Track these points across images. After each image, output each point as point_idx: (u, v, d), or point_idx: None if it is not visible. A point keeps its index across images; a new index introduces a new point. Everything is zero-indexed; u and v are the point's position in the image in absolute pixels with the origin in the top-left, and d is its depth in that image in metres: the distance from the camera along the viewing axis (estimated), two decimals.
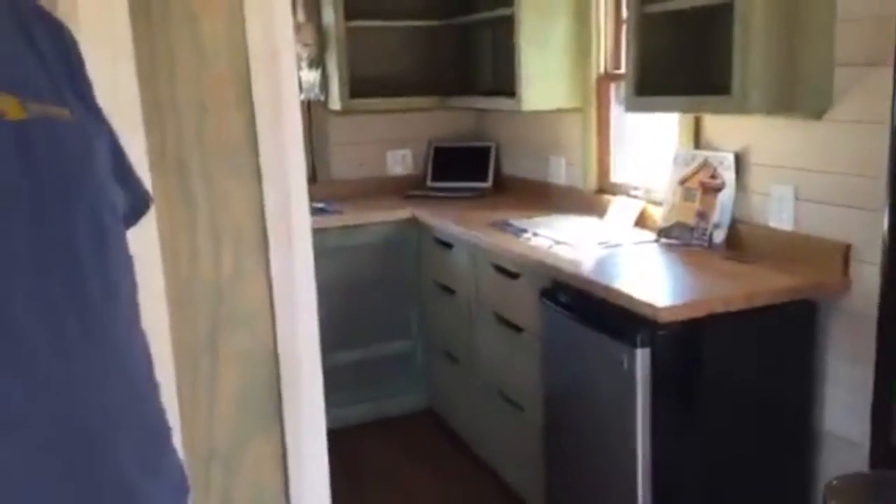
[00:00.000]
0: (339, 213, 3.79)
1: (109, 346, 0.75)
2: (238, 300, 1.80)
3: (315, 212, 3.83)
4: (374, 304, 3.79)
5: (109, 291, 0.76)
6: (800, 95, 2.27)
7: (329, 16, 3.87)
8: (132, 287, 0.85)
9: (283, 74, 1.80)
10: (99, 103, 0.99)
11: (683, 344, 2.21)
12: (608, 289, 2.36)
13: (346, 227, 3.69)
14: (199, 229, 1.78)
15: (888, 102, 2.05)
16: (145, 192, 1.05)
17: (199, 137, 1.75)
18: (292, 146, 1.83)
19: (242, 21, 1.75)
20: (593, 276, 2.50)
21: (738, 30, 2.20)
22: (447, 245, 3.51)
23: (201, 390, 1.74)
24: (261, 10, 1.75)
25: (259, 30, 1.76)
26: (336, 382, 3.51)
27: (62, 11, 1.52)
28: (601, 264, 2.67)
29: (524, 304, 2.88)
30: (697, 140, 2.85)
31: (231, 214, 1.80)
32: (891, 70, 2.01)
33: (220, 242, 1.80)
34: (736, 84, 2.22)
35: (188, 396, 1.71)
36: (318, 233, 3.69)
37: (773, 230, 2.55)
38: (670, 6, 2.53)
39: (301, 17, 4.01)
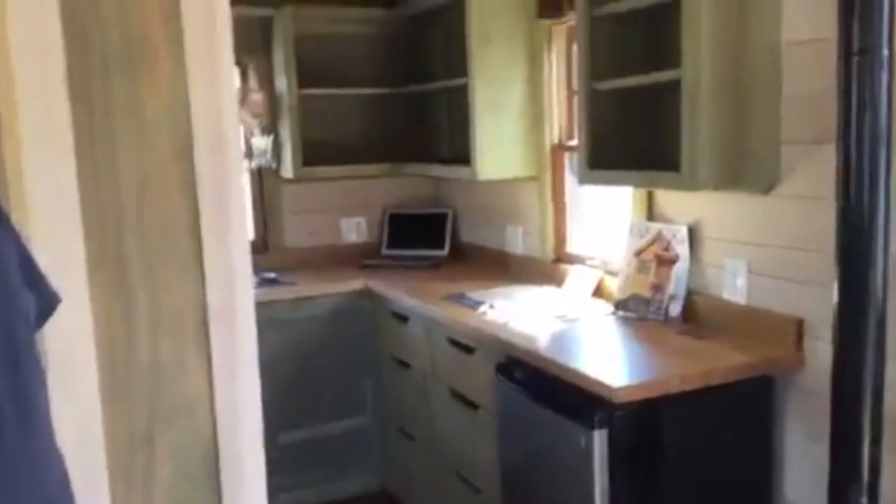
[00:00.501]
0: (292, 283, 3.71)
1: (25, 465, 0.74)
2: (176, 391, 1.72)
3: (266, 282, 3.76)
4: (326, 379, 3.68)
5: (23, 410, 0.75)
6: (748, 172, 2.30)
7: (282, 83, 3.86)
8: (46, 401, 0.84)
9: (229, 156, 1.75)
10: (5, 207, 0.95)
11: (641, 424, 2.17)
12: (564, 367, 2.32)
13: (297, 299, 3.61)
14: (137, 318, 1.70)
15: (832, 179, 2.06)
16: (54, 294, 1.03)
17: (139, 224, 1.68)
18: (237, 231, 1.77)
19: (186, 102, 1.71)
20: (549, 354, 2.45)
21: (685, 108, 2.22)
22: (402, 318, 3.45)
23: (136, 492, 1.63)
24: (205, 90, 1.72)
25: (203, 110, 1.72)
26: (285, 464, 3.40)
27: (5, 120, 1.47)
28: (558, 340, 2.63)
29: (480, 380, 2.82)
30: (651, 212, 2.86)
31: (171, 303, 1.73)
32: (833, 147, 2.03)
33: (159, 332, 1.72)
34: (685, 161, 2.23)
35: (122, 498, 1.60)
36: (268, 305, 3.65)
37: (728, 303, 2.55)
38: (618, 83, 2.56)
39: (253, 83, 3.98)
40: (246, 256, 1.79)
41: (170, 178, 1.69)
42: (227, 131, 1.74)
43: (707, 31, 2.17)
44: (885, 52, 1.83)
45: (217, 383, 1.75)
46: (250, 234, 4.11)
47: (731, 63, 2.22)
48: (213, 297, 1.75)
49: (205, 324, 1.75)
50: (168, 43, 1.66)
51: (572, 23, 2.74)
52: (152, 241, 1.69)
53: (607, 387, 2.13)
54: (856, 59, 1.84)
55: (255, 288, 3.64)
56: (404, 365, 3.48)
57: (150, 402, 1.69)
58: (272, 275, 3.82)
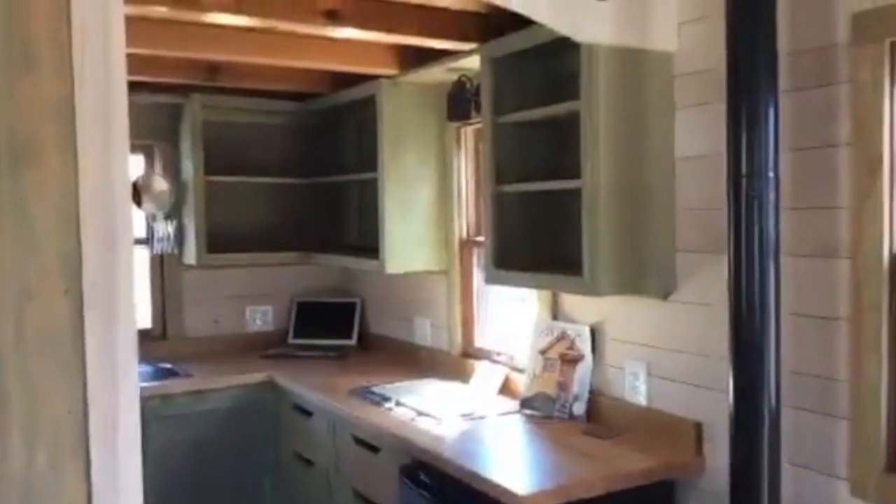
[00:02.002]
0: (189, 375, 3.55)
1: None
2: None
3: (162, 373, 3.60)
4: (224, 477, 3.50)
5: None
6: (646, 278, 2.37)
7: (188, 169, 3.78)
8: None
9: (121, 260, 1.68)
10: None
11: None
12: (470, 472, 2.28)
13: (196, 392, 3.45)
14: (11, 430, 1.58)
15: (725, 287, 2.14)
16: None
17: (18, 330, 1.58)
18: (124, 338, 1.68)
19: (76, 207, 1.64)
20: (454, 457, 2.41)
21: (585, 217, 2.29)
22: (306, 412, 3.34)
23: None
24: (97, 189, 1.65)
25: (94, 212, 1.65)
26: None
27: None
28: (463, 441, 2.59)
29: (385, 481, 2.74)
30: (556, 310, 2.90)
31: (49, 413, 1.62)
32: (725, 258, 2.12)
33: (34, 440, 1.60)
34: (586, 268, 2.29)
35: None
36: (163, 398, 3.47)
37: (630, 404, 2.58)
38: (522, 188, 2.62)
39: (158, 168, 3.89)
40: (133, 365, 1.70)
41: (55, 286, 1.60)
42: (120, 233, 1.68)
43: (605, 144, 2.26)
44: (772, 174, 1.94)
45: (96, 497, 1.63)
46: (147, 322, 3.95)
47: (628, 175, 2.31)
48: (96, 407, 1.65)
49: (85, 434, 1.65)
50: (57, 140, 1.60)
51: (480, 125, 2.81)
52: (31, 347, 1.59)
53: (513, 494, 2.10)
54: (744, 180, 1.95)
55: (151, 380, 3.51)
56: (307, 462, 3.35)
57: None
58: (169, 365, 3.66)
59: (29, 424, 1.61)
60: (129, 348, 1.70)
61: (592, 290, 2.31)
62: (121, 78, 1.68)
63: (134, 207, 3.79)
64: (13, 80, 1.56)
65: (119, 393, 1.68)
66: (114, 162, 1.67)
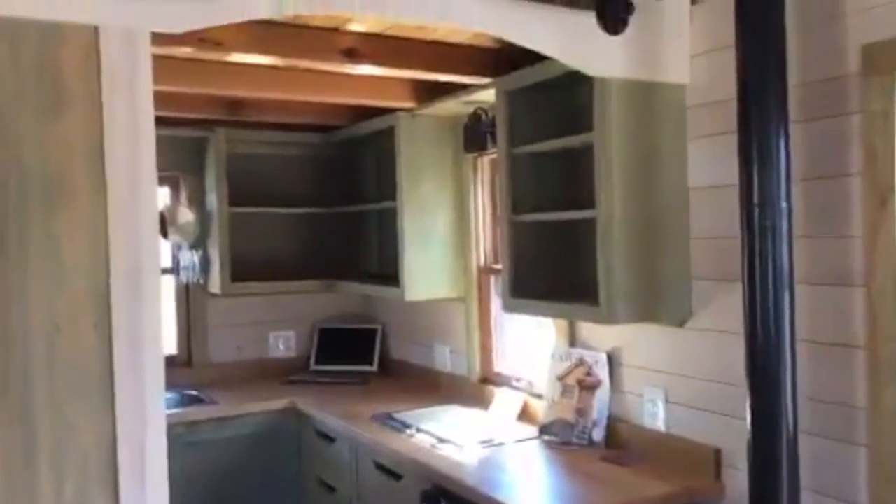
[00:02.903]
0: (214, 403, 3.60)
1: None
2: None
3: (188, 400, 3.67)
4: (248, 503, 3.54)
5: None
6: (662, 306, 2.39)
7: (212, 201, 3.87)
8: None
9: (147, 295, 1.74)
10: None
11: None
12: (491, 500, 2.30)
13: (220, 419, 3.50)
14: (40, 459, 1.64)
15: (741, 315, 2.16)
16: None
17: (48, 361, 1.64)
18: (152, 372, 1.74)
19: (106, 242, 1.70)
20: (476, 484, 2.43)
21: (600, 247, 2.32)
22: (329, 438, 3.38)
23: None
24: (126, 227, 1.72)
25: (123, 248, 1.71)
26: None
27: None
28: (484, 468, 2.61)
29: None
30: (573, 337, 2.92)
31: (77, 443, 1.67)
32: (740, 286, 2.14)
33: (63, 472, 1.66)
34: (602, 297, 2.32)
35: None
36: (189, 425, 3.53)
37: (649, 431, 2.59)
38: (537, 217, 2.66)
39: (184, 200, 3.98)
40: (160, 398, 1.76)
41: (84, 322, 1.67)
42: (147, 268, 1.74)
43: (618, 175, 2.29)
44: (784, 204, 1.96)
45: None
46: (173, 348, 4.02)
47: (642, 205, 2.34)
48: (124, 439, 1.70)
49: (113, 466, 1.70)
50: (88, 179, 1.67)
51: (496, 155, 2.86)
52: (61, 380, 1.65)
53: None
54: (757, 209, 1.97)
55: (176, 407, 3.57)
56: (330, 488, 3.38)
57: None
58: (194, 392, 3.72)
59: (58, 456, 1.67)
60: (156, 381, 1.76)
61: (608, 319, 2.34)
62: (148, 119, 1.76)
63: (160, 237, 3.88)
64: (45, 122, 1.64)
65: (147, 425, 1.74)
66: (142, 199, 1.75)
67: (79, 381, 1.69)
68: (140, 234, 1.74)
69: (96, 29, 1.67)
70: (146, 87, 1.75)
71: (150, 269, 1.75)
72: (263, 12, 1.82)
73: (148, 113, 1.76)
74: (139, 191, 1.74)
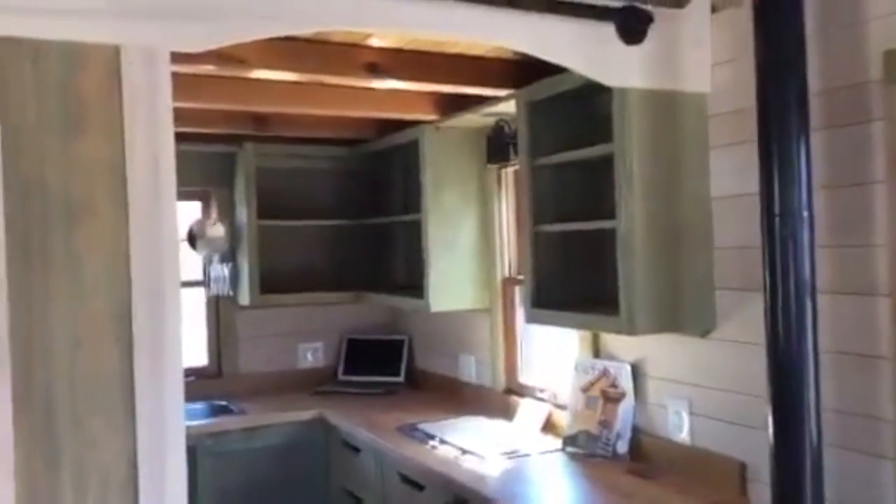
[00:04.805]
0: (242, 412, 3.65)
1: None
2: None
3: (217, 410, 3.72)
4: None
5: None
6: (685, 317, 2.36)
7: (242, 214, 3.93)
8: None
9: (167, 311, 1.77)
10: None
11: None
12: None
13: (248, 429, 3.54)
14: (61, 474, 1.67)
15: (763, 326, 2.12)
16: None
17: (70, 376, 1.68)
18: (172, 388, 1.76)
19: (127, 258, 1.73)
20: (499, 496, 2.44)
21: (621, 258, 2.31)
22: (355, 449, 3.40)
23: None
24: (147, 243, 1.75)
25: (144, 265, 1.74)
26: None
27: None
28: (507, 480, 2.61)
29: None
30: (597, 348, 2.90)
31: (98, 458, 1.70)
32: (762, 295, 2.11)
33: (85, 489, 1.69)
34: (623, 307, 2.30)
35: None
36: (218, 436, 3.58)
37: (673, 443, 2.56)
38: (559, 228, 2.66)
39: (215, 214, 4.05)
40: (180, 412, 1.78)
41: (105, 337, 1.70)
42: (168, 284, 1.77)
43: (639, 185, 2.28)
44: (805, 213, 1.93)
45: None
46: (203, 360, 4.08)
47: (664, 215, 2.32)
48: (144, 453, 1.73)
49: (134, 480, 1.72)
50: (109, 196, 1.70)
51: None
52: (82, 394, 1.68)
53: None
54: (778, 219, 1.94)
55: (205, 417, 3.62)
56: (356, 499, 3.40)
57: None
58: (223, 402, 3.77)
59: (79, 470, 1.69)
60: (176, 397, 1.78)
61: (629, 330, 2.32)
62: (169, 137, 1.79)
63: (190, 250, 3.95)
64: (68, 141, 1.68)
65: (167, 439, 1.76)
66: (163, 216, 1.78)
67: (100, 397, 1.71)
68: (161, 251, 1.77)
69: (117, 49, 1.71)
70: (166, 106, 1.78)
71: (172, 285, 1.77)
72: (278, 30, 1.85)
73: (168, 131, 1.79)
74: (160, 207, 1.77)
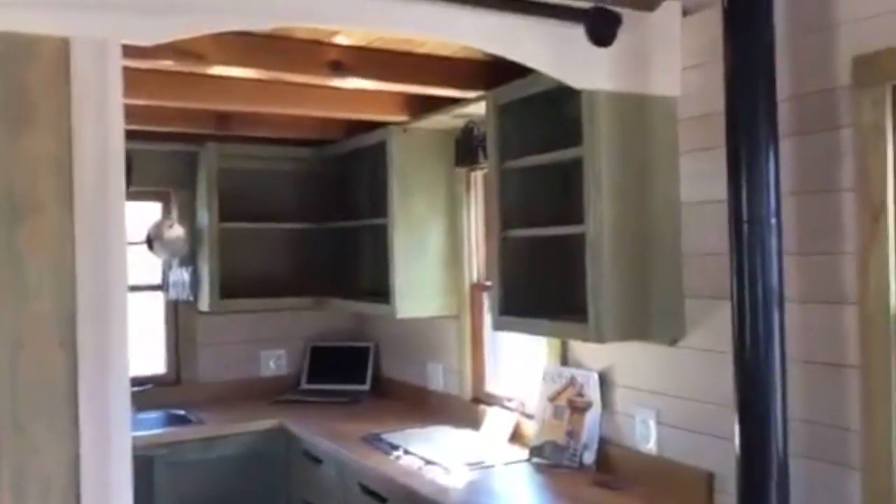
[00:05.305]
0: (200, 422, 3.54)
1: None
2: None
3: (174, 420, 3.61)
4: None
5: None
6: (653, 324, 2.33)
7: (203, 217, 3.83)
8: None
9: (114, 315, 1.69)
10: None
11: None
12: None
13: (206, 439, 3.44)
14: (1, 482, 1.58)
15: (730, 334, 2.09)
16: None
17: (11, 380, 1.59)
18: (118, 394, 1.68)
19: (72, 259, 1.65)
20: None
21: (589, 263, 2.26)
22: (317, 459, 3.31)
23: None
24: (93, 246, 1.67)
25: (90, 268, 1.66)
26: None
27: None
28: (470, 492, 2.55)
29: None
30: (565, 356, 2.86)
31: (39, 465, 1.61)
32: (728, 303, 2.08)
33: (25, 497, 1.60)
34: (591, 314, 2.26)
35: None
36: (174, 446, 3.47)
37: (640, 453, 2.52)
38: (527, 233, 2.61)
39: (174, 215, 3.95)
40: (126, 419, 1.70)
41: (48, 340, 1.62)
42: (116, 286, 1.69)
43: (608, 189, 2.24)
44: (773, 220, 1.91)
45: None
46: (161, 367, 3.97)
47: (633, 220, 2.29)
48: (87, 461, 1.64)
49: (76, 490, 1.64)
50: (55, 193, 1.62)
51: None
52: (24, 399, 1.60)
53: None
54: (746, 226, 1.92)
55: (162, 426, 3.52)
56: None
57: None
58: (181, 411, 3.67)
59: (19, 477, 1.61)
60: (122, 402, 1.70)
61: (597, 337, 2.27)
62: (119, 134, 1.72)
63: (149, 253, 3.84)
64: (12, 135, 1.60)
65: (111, 447, 1.68)
66: (111, 216, 1.70)
67: (42, 402, 1.63)
68: (108, 252, 1.69)
69: (66, 41, 1.63)
70: (117, 102, 1.70)
71: (119, 288, 1.69)
72: (233, 24, 1.78)
73: (118, 128, 1.71)
74: (108, 207, 1.69)
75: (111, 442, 1.67)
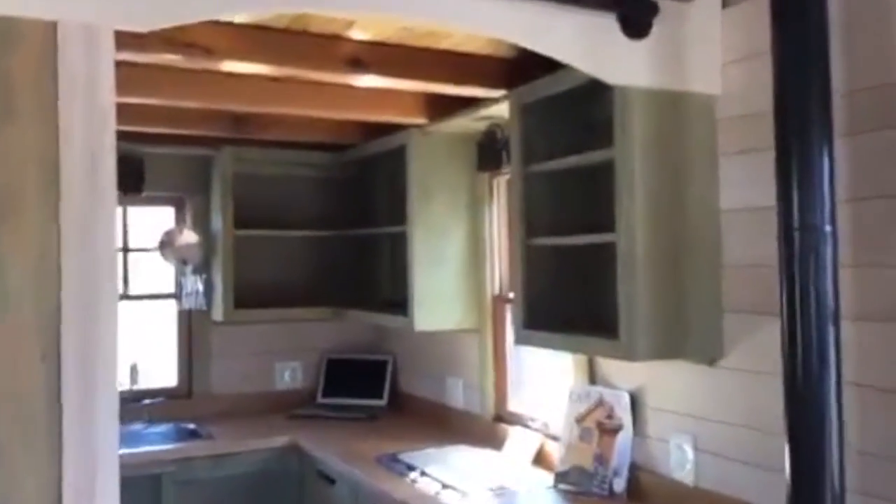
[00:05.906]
0: (210, 437, 3.40)
1: None
2: None
3: (183, 435, 3.48)
4: None
5: None
6: (690, 342, 2.14)
7: (217, 223, 3.70)
8: None
9: (102, 327, 1.54)
10: None
11: None
12: None
13: (216, 456, 3.29)
14: None
15: (778, 354, 1.91)
16: None
17: None
18: (105, 413, 1.53)
19: (57, 265, 1.51)
20: None
21: (621, 275, 2.09)
22: (330, 480, 3.15)
23: None
24: (81, 250, 1.53)
25: (76, 275, 1.52)
26: None
27: None
28: None
29: None
30: (593, 374, 2.68)
31: (18, 493, 1.47)
32: (777, 319, 1.89)
33: None
34: (622, 330, 2.08)
35: None
36: (182, 462, 3.33)
37: (675, 482, 2.33)
38: (553, 241, 2.44)
39: (188, 221, 3.83)
40: (114, 439, 1.55)
41: (29, 353, 1.47)
42: (105, 295, 1.55)
43: (641, 195, 2.07)
44: (828, 228, 1.73)
45: None
46: (173, 379, 3.84)
47: (668, 228, 2.11)
48: (70, 487, 1.49)
49: None
50: (39, 192, 1.49)
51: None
52: (2, 417, 1.46)
53: None
54: (797, 234, 1.74)
55: (170, 442, 3.38)
56: None
57: None
58: (192, 426, 3.53)
59: None
60: (109, 423, 1.54)
61: (629, 355, 2.09)
62: (110, 130, 1.56)
63: (162, 260, 3.72)
64: None
65: (97, 471, 1.52)
66: (100, 218, 1.55)
67: (21, 422, 1.49)
68: (97, 258, 1.55)
69: (53, 25, 1.50)
70: (108, 93, 1.56)
71: (108, 297, 1.55)
72: (237, 8, 1.64)
73: (110, 123, 1.57)
74: (98, 209, 1.55)
75: (97, 467, 1.52)
